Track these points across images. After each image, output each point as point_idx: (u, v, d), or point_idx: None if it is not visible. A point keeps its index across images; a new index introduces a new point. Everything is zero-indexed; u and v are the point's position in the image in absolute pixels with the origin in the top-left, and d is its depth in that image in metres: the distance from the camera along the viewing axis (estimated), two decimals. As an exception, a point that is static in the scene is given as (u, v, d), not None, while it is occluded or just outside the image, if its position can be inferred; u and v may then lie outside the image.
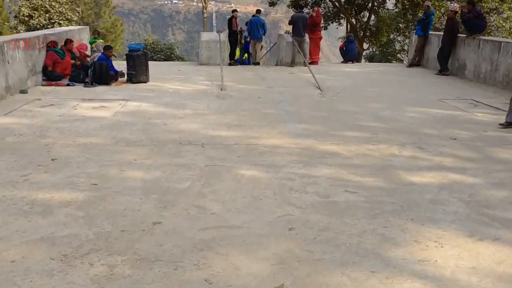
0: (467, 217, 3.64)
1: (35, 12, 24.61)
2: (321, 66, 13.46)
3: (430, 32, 12.86)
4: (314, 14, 13.67)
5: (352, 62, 14.86)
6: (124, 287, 2.64)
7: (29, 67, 8.60)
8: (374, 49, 24.35)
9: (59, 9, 24.88)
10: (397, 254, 3.05)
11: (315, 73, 10.47)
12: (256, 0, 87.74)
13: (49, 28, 21.94)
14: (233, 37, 13.05)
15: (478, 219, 3.61)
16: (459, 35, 11.28)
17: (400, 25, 22.53)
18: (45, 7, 24.61)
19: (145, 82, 9.52)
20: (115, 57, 11.55)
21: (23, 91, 8.07)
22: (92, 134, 5.74)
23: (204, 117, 6.75)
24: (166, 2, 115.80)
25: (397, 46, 23.60)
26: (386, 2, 23.13)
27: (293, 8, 21.46)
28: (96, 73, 9.17)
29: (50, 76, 9.13)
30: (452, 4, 12.33)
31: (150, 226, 3.36)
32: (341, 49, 15.76)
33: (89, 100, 7.73)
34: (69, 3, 26.25)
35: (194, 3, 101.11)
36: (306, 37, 13.12)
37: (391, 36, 23.42)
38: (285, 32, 14.38)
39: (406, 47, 21.53)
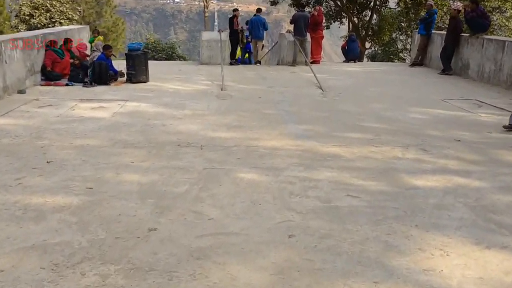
0: (473, 224, 3.52)
1: (36, 11, 24.59)
2: (322, 66, 13.34)
3: (433, 31, 12.74)
4: (316, 13, 13.56)
5: (354, 62, 14.73)
6: (116, 298, 2.54)
7: (27, 67, 8.50)
8: (376, 48, 24.21)
9: (60, 8, 24.87)
10: (401, 263, 2.94)
11: (316, 73, 10.36)
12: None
13: (50, 27, 21.86)
14: (234, 36, 12.94)
15: (484, 226, 3.49)
16: (463, 34, 11.15)
17: (403, 24, 22.40)
18: (46, 6, 24.59)
19: (144, 82, 9.42)
20: (115, 56, 11.46)
21: (21, 91, 7.98)
22: (89, 135, 5.64)
23: (204, 118, 6.64)
24: (168, 1, 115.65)
25: (400, 45, 23.45)
26: (388, 1, 22.94)
27: (294, 7, 21.31)
28: (95, 73, 9.07)
29: (49, 76, 9.03)
30: (455, 3, 12.16)
31: (145, 233, 3.25)
32: (343, 48, 15.63)
33: (88, 101, 7.63)
34: (70, 2, 26.23)
35: (196, 2, 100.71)
36: (308, 36, 13.01)
37: (394, 35, 23.25)
38: (287, 31, 14.26)
39: (408, 46, 21.40)
